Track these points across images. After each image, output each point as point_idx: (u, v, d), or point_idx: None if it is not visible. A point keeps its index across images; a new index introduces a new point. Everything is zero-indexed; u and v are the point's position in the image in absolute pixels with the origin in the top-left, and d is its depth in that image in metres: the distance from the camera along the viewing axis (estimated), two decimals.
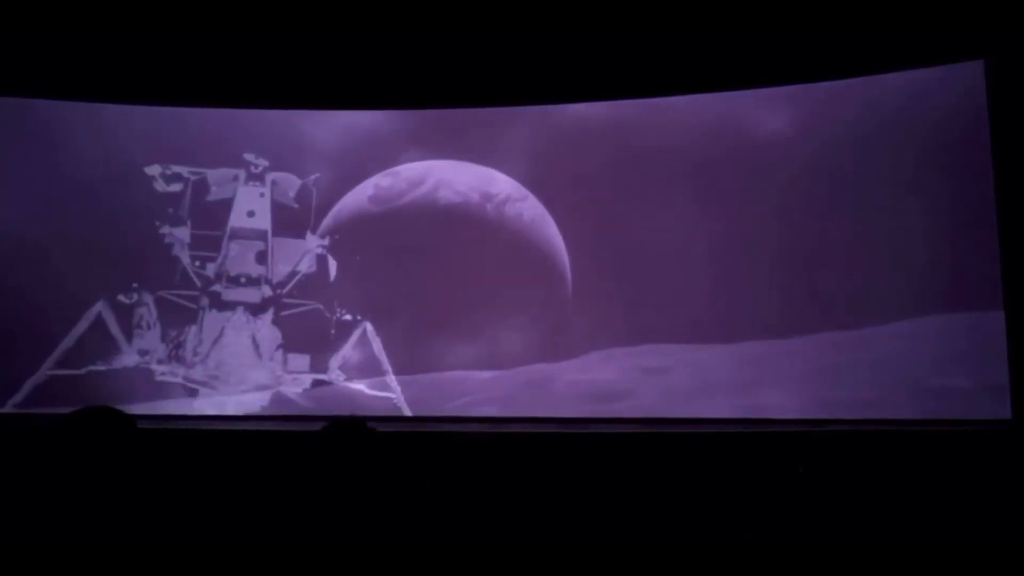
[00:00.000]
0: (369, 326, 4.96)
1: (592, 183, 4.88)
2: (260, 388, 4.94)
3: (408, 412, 4.84)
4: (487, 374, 4.83)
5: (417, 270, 4.96)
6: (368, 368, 4.92)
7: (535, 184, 5.01)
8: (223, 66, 4.81)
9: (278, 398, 4.92)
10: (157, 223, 4.96)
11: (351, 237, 5.07)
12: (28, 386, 4.71)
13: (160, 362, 4.89)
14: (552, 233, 4.93)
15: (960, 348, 4.17)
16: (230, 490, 2.58)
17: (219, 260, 5.03)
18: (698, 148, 4.71)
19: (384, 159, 5.10)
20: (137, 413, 2.05)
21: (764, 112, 4.62)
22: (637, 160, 4.81)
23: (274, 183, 5.09)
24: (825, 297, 4.46)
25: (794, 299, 4.53)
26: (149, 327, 4.90)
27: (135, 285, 4.91)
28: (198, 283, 5.00)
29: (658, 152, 4.77)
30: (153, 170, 4.97)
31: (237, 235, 5.05)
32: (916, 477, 3.53)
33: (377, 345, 4.95)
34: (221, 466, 3.57)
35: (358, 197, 5.11)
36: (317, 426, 2.26)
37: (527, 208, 5.01)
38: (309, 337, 4.98)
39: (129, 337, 4.87)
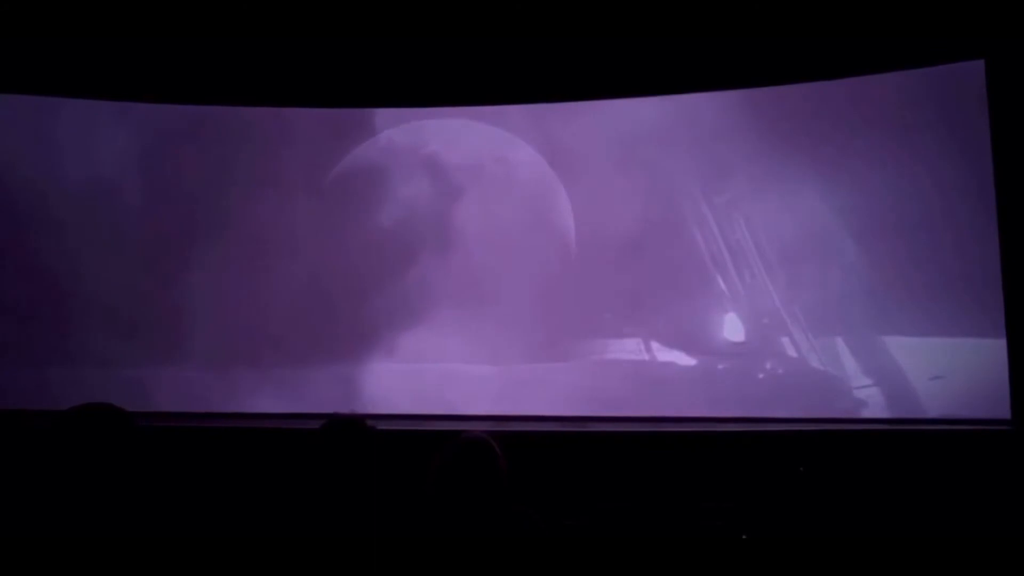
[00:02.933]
0: None
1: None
2: None
3: None
4: (479, 369, 4.77)
5: (412, 234, 4.93)
6: None
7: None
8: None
9: None
10: None
11: (356, 190, 5.07)
12: None
13: None
14: (560, 201, 4.86)
15: (959, 347, 4.12)
16: (227, 489, 2.69)
17: None
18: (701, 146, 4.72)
19: None
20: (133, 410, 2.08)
21: (759, 111, 4.60)
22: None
23: None
24: (826, 299, 4.44)
25: (793, 302, 4.51)
26: None
27: None
28: None
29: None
30: None
31: None
32: (915, 477, 3.54)
33: None
34: (218, 465, 3.66)
35: (368, 150, 5.09)
36: (316, 424, 2.29)
37: (536, 175, 4.90)
38: None
39: None
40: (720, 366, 4.60)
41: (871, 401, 4.29)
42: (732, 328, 4.65)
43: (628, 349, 4.75)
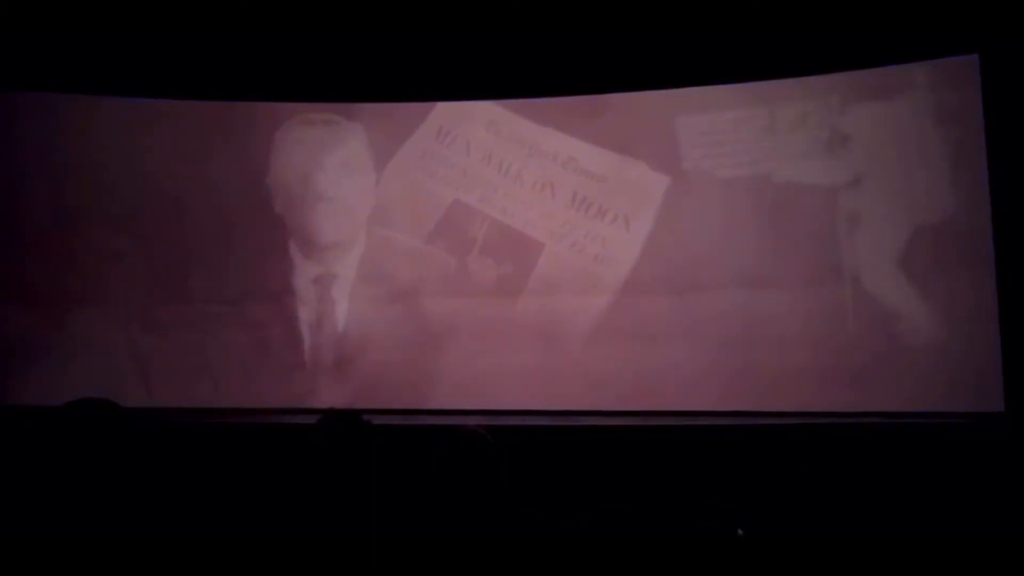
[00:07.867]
0: None
1: None
2: None
3: None
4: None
5: None
6: None
7: None
8: None
9: None
10: None
11: None
12: None
13: None
14: None
15: (953, 342, 4.15)
16: (222, 486, 2.67)
17: None
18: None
19: None
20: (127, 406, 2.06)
21: (752, 109, 4.58)
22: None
23: None
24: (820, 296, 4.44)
25: (788, 299, 4.51)
26: None
27: None
28: None
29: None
30: None
31: None
32: (909, 471, 3.56)
33: None
34: (213, 461, 3.61)
35: None
36: (311, 420, 2.26)
37: None
38: None
39: None
40: (722, 360, 4.53)
41: (865, 395, 4.27)
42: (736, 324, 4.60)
43: (628, 345, 4.67)
